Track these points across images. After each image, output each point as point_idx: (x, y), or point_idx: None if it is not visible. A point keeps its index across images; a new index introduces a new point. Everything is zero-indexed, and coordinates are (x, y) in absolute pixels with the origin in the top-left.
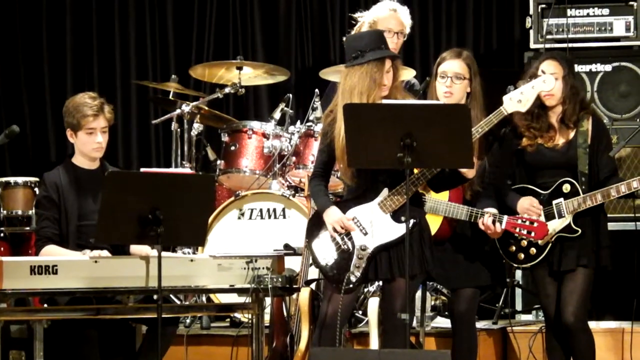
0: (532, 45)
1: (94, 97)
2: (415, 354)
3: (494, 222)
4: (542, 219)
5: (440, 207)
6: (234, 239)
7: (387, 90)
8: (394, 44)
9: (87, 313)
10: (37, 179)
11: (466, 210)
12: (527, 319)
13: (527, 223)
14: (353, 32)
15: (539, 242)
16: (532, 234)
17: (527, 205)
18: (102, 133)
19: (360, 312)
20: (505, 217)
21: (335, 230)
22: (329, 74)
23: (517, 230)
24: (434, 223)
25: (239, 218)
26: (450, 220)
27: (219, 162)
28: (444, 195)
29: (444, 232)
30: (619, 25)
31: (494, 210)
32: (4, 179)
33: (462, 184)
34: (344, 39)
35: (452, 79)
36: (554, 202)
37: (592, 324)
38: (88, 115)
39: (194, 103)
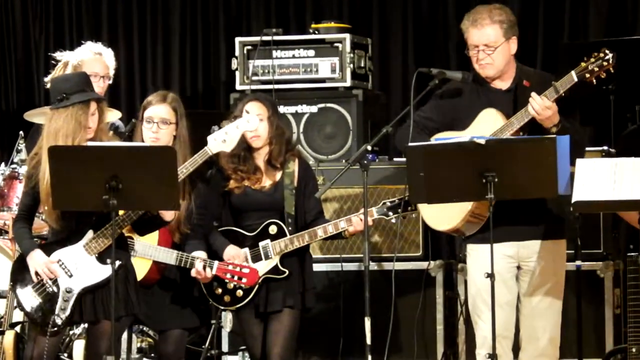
0: (238, 87)
1: None
2: None
3: (204, 268)
4: (250, 263)
5: (149, 251)
6: None
7: (92, 132)
8: (100, 88)
9: None
10: None
11: (176, 254)
12: None
13: (238, 269)
14: (53, 73)
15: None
16: (244, 280)
17: (233, 254)
18: None
19: (66, 354)
20: (216, 262)
21: (37, 274)
22: (34, 116)
23: (228, 276)
24: (143, 267)
25: None
26: (159, 263)
27: None
28: (153, 239)
29: (153, 275)
30: (325, 67)
31: (203, 255)
32: None
33: (163, 227)
34: (45, 79)
35: (158, 125)
36: (261, 243)
37: None
38: None
39: None
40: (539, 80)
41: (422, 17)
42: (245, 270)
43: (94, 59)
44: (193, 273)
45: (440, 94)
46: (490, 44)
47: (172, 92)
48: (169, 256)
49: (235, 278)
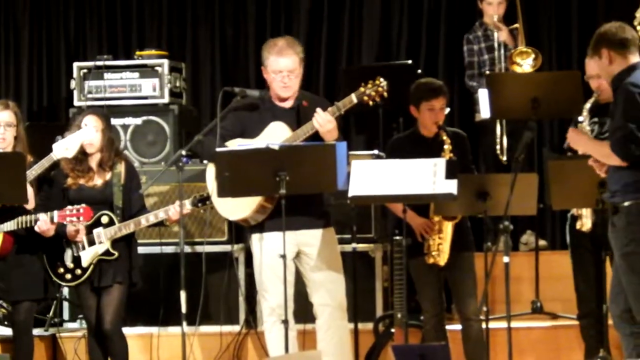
0: (76, 103)
1: None
2: None
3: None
4: (87, 246)
5: None
6: None
7: None
8: None
9: None
10: None
11: (15, 220)
12: (73, 326)
13: (75, 211)
14: None
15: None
16: (82, 219)
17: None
18: None
19: None
20: (55, 212)
21: None
22: None
23: (68, 219)
24: None
25: None
26: (11, 236)
27: None
28: None
29: (6, 247)
30: (147, 86)
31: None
32: None
33: (23, 215)
34: None
35: (4, 127)
36: (95, 230)
37: (127, 330)
38: None
39: None
40: (313, 100)
41: (227, 45)
42: (81, 211)
43: None
44: (38, 226)
45: (235, 108)
46: (293, 70)
47: (10, 101)
48: (11, 224)
49: (74, 219)
